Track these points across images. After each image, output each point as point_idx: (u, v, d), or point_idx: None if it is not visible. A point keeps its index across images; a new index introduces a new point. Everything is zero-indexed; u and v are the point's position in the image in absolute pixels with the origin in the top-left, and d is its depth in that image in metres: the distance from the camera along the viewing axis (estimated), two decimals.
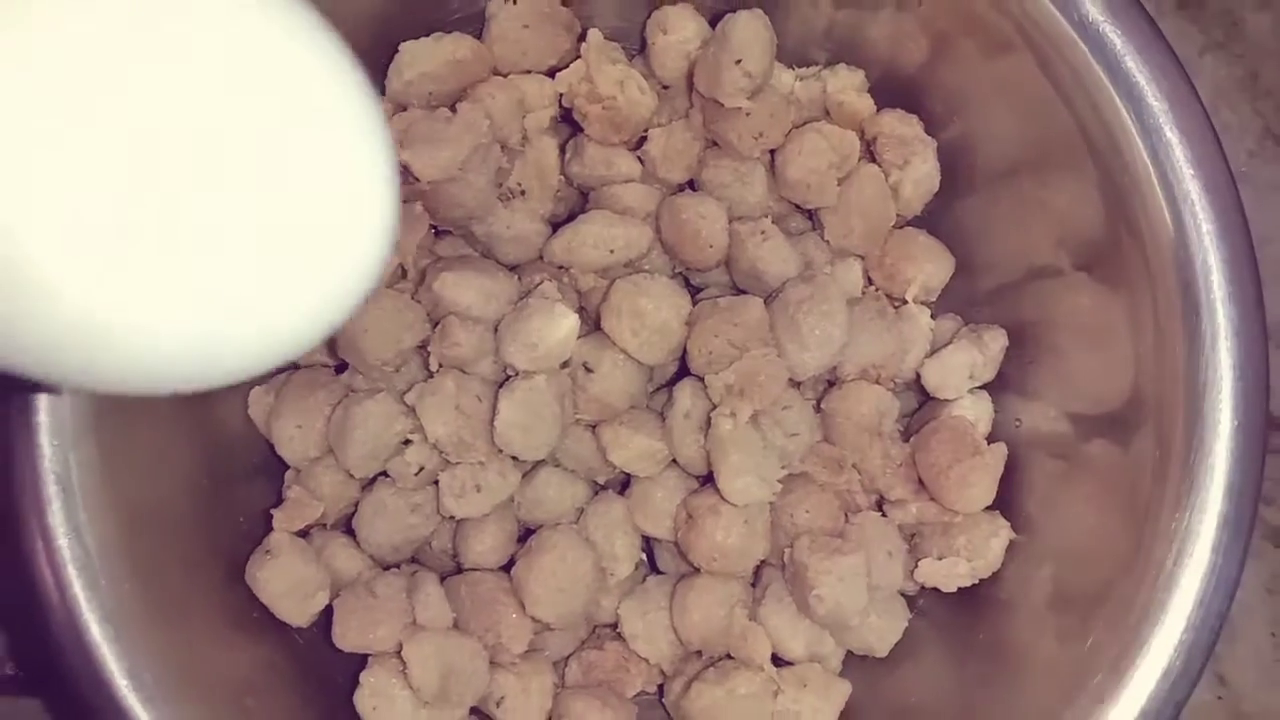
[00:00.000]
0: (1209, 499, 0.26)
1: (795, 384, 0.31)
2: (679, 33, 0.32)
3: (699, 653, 0.31)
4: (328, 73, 0.16)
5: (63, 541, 0.26)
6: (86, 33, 0.15)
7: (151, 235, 0.15)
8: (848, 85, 0.32)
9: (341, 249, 0.16)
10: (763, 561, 0.31)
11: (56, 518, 0.26)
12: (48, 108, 0.14)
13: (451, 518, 0.31)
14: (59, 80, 0.14)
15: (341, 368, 0.32)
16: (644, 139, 0.33)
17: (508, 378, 0.30)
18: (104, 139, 0.15)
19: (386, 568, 0.32)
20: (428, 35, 0.30)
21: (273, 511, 0.30)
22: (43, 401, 0.25)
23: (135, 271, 0.15)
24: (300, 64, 0.16)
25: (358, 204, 0.16)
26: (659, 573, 0.33)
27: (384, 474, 0.31)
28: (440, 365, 0.30)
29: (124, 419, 0.26)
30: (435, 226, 0.31)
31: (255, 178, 0.15)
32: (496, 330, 0.29)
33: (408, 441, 0.31)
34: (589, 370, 0.30)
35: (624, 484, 0.33)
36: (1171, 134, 0.26)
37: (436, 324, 0.29)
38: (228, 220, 0.15)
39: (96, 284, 0.15)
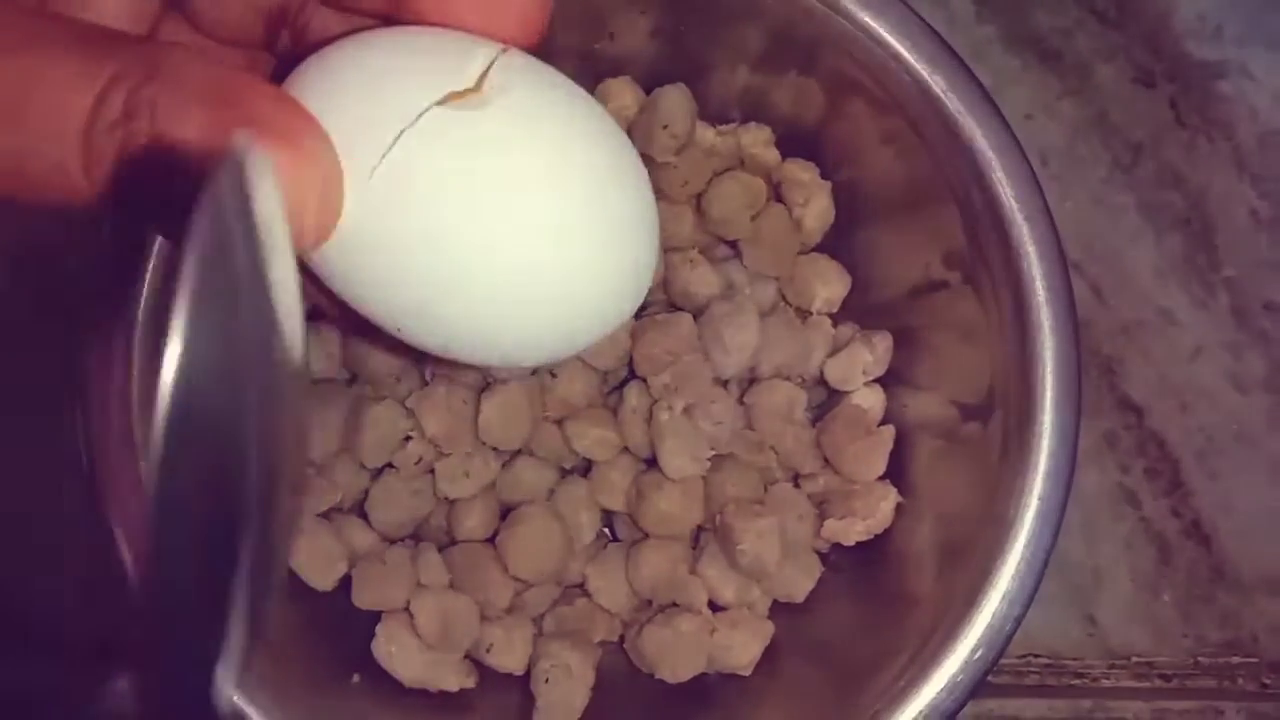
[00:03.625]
0: (1038, 460, 0.30)
1: (721, 382, 0.34)
2: (618, 101, 0.35)
3: (650, 602, 0.34)
4: (635, 164, 0.22)
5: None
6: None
7: (532, 271, 0.20)
8: (758, 140, 0.36)
9: (638, 277, 0.22)
10: (699, 526, 0.34)
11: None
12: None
13: (446, 499, 0.33)
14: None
15: (352, 380, 0.35)
16: None
17: (488, 384, 0.33)
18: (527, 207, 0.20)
19: (393, 542, 0.34)
20: None
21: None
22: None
23: (528, 290, 0.21)
24: (628, 159, 0.22)
25: (649, 250, 0.22)
26: (617, 540, 0.35)
27: (390, 465, 0.33)
28: (434, 376, 0.34)
29: None
30: None
31: (599, 241, 0.21)
32: None
33: (409, 438, 0.33)
34: (553, 376, 0.33)
35: (586, 468, 0.35)
36: (1000, 176, 0.31)
37: None
38: (581, 263, 0.21)
39: (512, 301, 0.20)
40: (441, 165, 0.20)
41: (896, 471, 0.35)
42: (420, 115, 0.19)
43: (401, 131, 0.19)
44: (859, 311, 0.37)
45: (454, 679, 0.34)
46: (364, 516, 0.34)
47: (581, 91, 0.22)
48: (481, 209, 0.20)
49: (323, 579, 0.33)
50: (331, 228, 0.20)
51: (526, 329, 0.21)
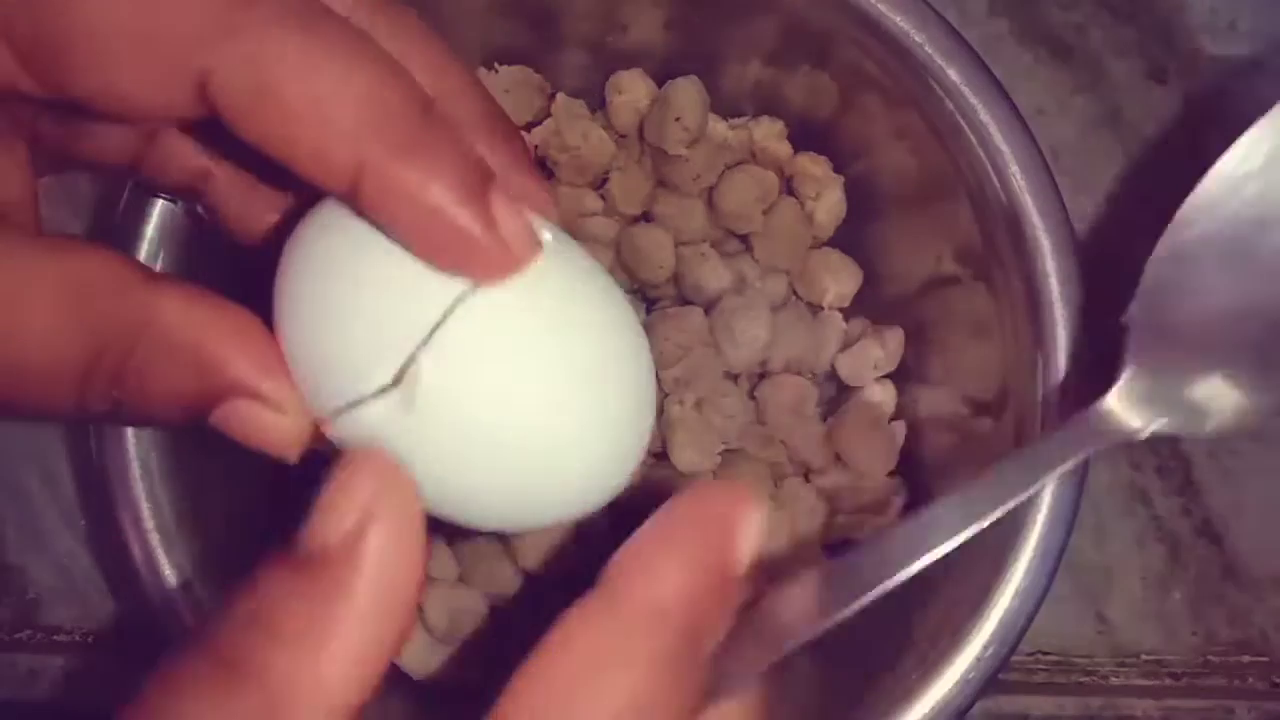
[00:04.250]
0: None
1: (732, 377, 0.34)
2: (631, 93, 0.35)
3: None
4: (634, 325, 0.22)
5: (145, 509, 0.29)
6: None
7: (523, 445, 0.20)
8: (770, 134, 0.36)
9: (637, 438, 0.21)
10: None
11: (139, 489, 0.29)
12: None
13: None
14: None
15: None
16: (605, 180, 0.36)
17: None
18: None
19: None
20: None
21: None
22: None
23: (542, 454, 0.20)
24: (628, 324, 0.21)
25: (647, 410, 0.21)
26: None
27: None
28: None
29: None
30: None
31: (593, 421, 0.20)
32: None
33: None
34: None
35: None
36: (1014, 170, 0.30)
37: None
38: (573, 440, 0.20)
39: (525, 471, 0.20)
40: (448, 351, 0.19)
41: (908, 467, 0.35)
42: (433, 331, 0.19)
43: (415, 351, 0.19)
44: (870, 306, 0.37)
45: (460, 671, 0.34)
46: None
47: (586, 262, 0.22)
48: (482, 390, 0.19)
49: None
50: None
51: (513, 499, 0.21)
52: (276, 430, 0.20)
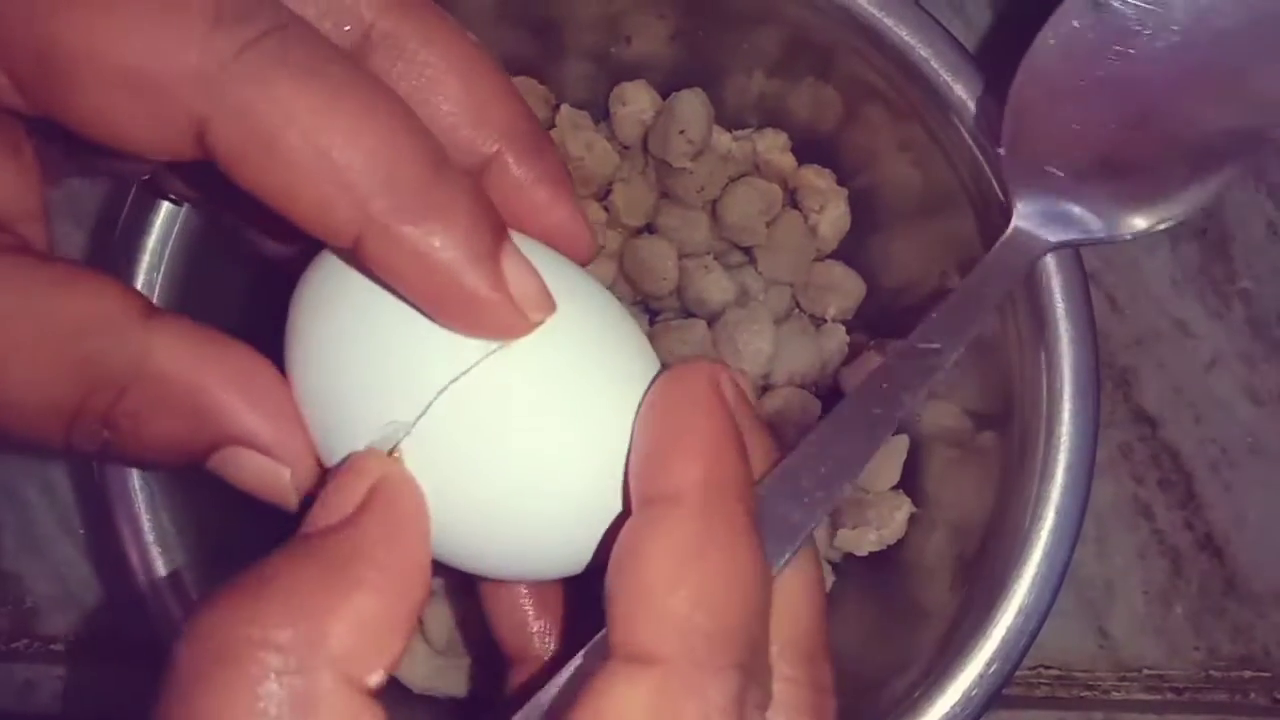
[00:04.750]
0: (1055, 473, 0.30)
1: None
2: (635, 104, 0.35)
3: None
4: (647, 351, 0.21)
5: (146, 521, 0.29)
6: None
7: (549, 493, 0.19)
8: (773, 146, 0.36)
9: None
10: None
11: (138, 498, 0.29)
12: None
13: None
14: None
15: None
16: (609, 191, 0.36)
17: None
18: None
19: None
20: None
21: None
22: None
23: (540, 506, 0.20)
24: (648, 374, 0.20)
25: None
26: None
27: None
28: None
29: None
30: None
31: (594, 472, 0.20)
32: None
33: None
34: None
35: None
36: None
37: None
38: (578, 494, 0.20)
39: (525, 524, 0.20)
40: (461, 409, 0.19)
41: (910, 481, 0.35)
42: (449, 385, 0.19)
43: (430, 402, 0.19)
44: (874, 319, 0.37)
45: (461, 685, 0.34)
46: None
47: (604, 306, 0.21)
48: (487, 447, 0.19)
49: None
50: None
51: (516, 552, 0.21)
52: (277, 480, 0.19)
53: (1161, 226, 0.27)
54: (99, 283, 0.19)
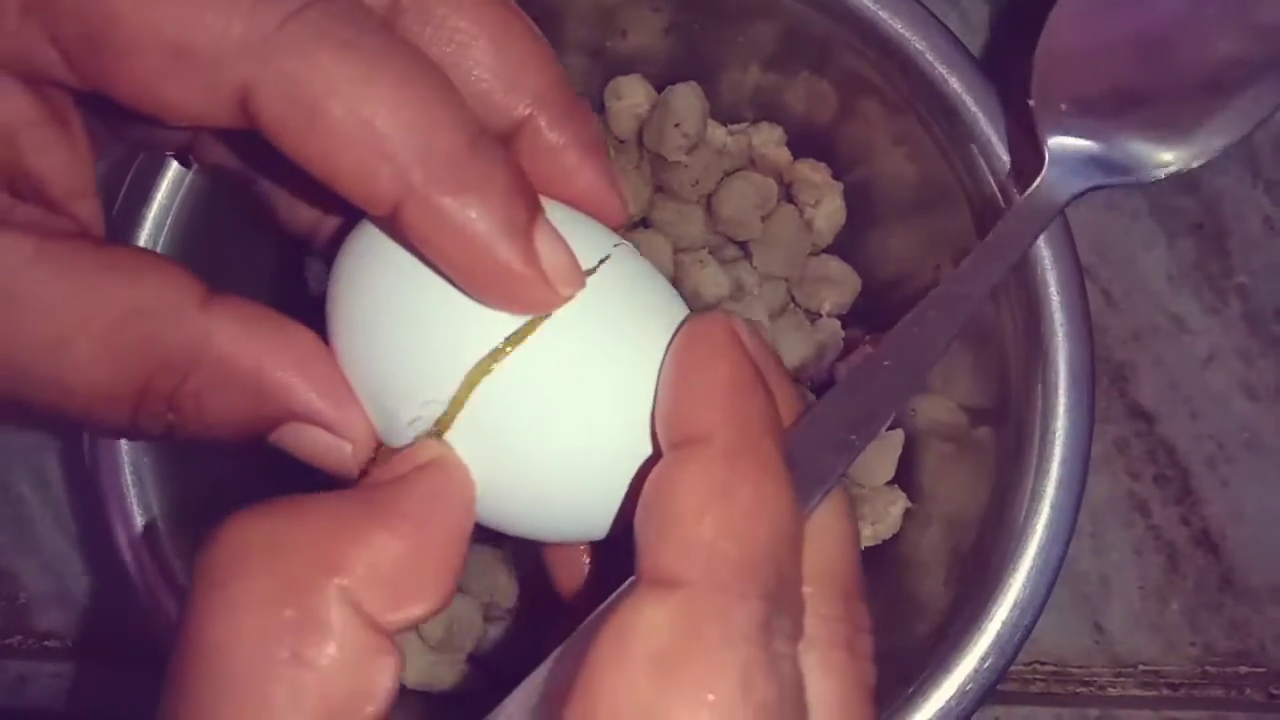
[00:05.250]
0: (1051, 468, 0.30)
1: None
2: (630, 98, 0.35)
3: None
4: None
5: (137, 513, 0.29)
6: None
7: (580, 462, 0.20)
8: (769, 140, 0.36)
9: None
10: None
11: (132, 494, 0.29)
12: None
13: None
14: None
15: None
16: None
17: None
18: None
19: None
20: None
21: None
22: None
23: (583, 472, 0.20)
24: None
25: None
26: None
27: None
28: None
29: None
30: None
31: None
32: None
33: None
34: None
35: None
36: (1016, 179, 0.30)
37: None
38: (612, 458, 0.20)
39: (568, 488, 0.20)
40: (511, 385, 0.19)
41: (905, 476, 0.35)
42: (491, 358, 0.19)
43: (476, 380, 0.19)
44: (869, 313, 0.37)
45: (456, 681, 0.34)
46: None
47: (643, 275, 0.21)
48: (528, 415, 0.19)
49: None
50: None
51: (557, 511, 0.21)
52: (340, 453, 0.20)
53: (1195, 163, 0.27)
54: (159, 267, 0.19)
